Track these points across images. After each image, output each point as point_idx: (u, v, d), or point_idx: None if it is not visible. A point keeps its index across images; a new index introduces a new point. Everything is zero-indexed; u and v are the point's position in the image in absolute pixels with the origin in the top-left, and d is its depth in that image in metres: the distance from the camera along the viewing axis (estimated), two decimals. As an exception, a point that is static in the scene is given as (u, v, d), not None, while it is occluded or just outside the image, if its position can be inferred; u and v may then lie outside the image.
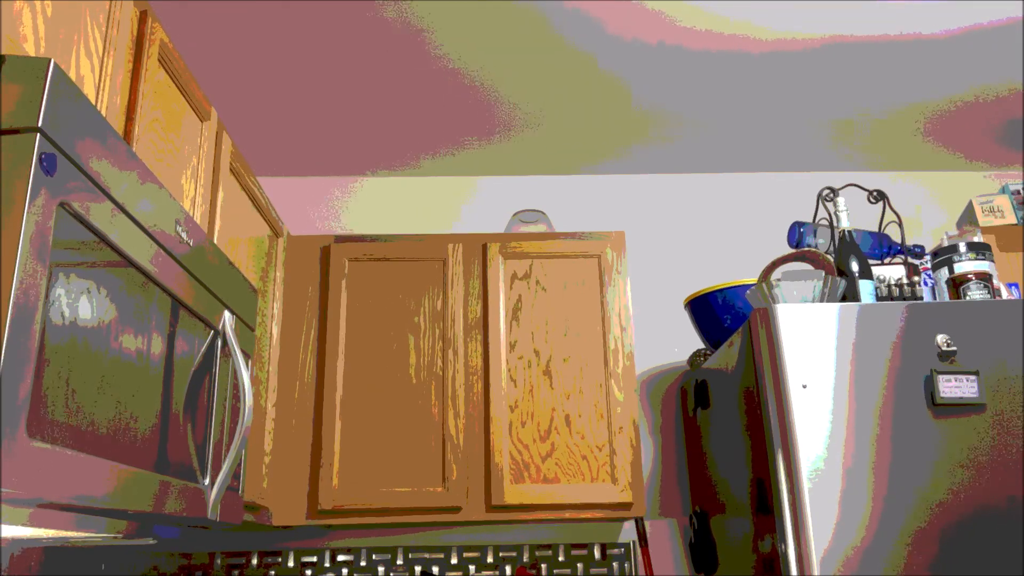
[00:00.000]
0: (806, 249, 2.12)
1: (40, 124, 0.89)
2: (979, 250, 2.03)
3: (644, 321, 2.76)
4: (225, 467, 1.43)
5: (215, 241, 1.73)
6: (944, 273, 2.06)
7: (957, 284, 2.01)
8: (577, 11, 2.04)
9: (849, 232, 2.12)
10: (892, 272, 2.16)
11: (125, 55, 1.34)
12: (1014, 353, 1.78)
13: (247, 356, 1.65)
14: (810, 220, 2.49)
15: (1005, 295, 2.06)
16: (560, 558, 2.47)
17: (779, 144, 2.76)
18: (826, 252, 2.20)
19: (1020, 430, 1.72)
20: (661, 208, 2.92)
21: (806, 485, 1.67)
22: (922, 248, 2.26)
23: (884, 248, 2.23)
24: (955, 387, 1.75)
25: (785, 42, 2.19)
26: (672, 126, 2.62)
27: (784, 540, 1.67)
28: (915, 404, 1.74)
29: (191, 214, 1.60)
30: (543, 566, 2.46)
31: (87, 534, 1.22)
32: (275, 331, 2.22)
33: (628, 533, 2.53)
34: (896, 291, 2.08)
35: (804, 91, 2.43)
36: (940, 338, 1.79)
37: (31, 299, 0.86)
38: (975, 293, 1.99)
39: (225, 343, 1.49)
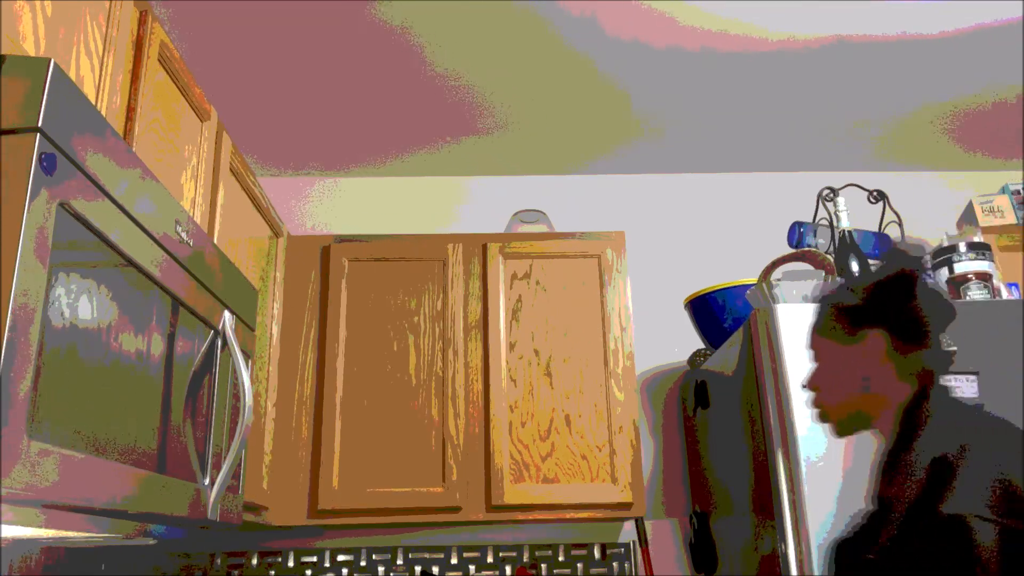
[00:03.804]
0: (806, 249, 2.12)
1: (40, 124, 0.89)
2: (979, 250, 2.03)
3: (644, 321, 2.76)
4: (225, 467, 1.43)
5: (215, 241, 1.73)
6: (944, 273, 2.06)
7: (957, 284, 2.01)
8: (576, 13, 2.04)
9: (849, 232, 2.12)
10: (892, 272, 2.16)
11: (125, 55, 1.34)
12: (1014, 353, 1.78)
13: (247, 356, 1.65)
14: (810, 220, 2.49)
15: (1005, 295, 2.06)
16: (560, 558, 2.47)
17: (779, 144, 2.76)
18: (826, 252, 2.20)
19: (1020, 430, 1.72)
20: (661, 208, 2.91)
21: (806, 485, 1.67)
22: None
23: (884, 248, 2.23)
24: (955, 387, 1.75)
25: (785, 43, 2.19)
26: (672, 126, 2.62)
27: (784, 540, 1.67)
28: (915, 404, 1.74)
29: (191, 214, 1.60)
30: (543, 566, 2.46)
31: (87, 534, 1.22)
32: (275, 331, 2.22)
33: (628, 533, 2.53)
34: (896, 291, 2.08)
35: (804, 91, 2.43)
36: (940, 338, 1.78)
37: (31, 299, 0.86)
38: (975, 293, 1.99)
39: (225, 343, 1.49)
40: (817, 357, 1.27)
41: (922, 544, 0.95)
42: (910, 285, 1.17)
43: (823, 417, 1.26)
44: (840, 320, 1.22)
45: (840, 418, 1.23)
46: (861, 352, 1.19)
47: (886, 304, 1.18)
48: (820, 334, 1.25)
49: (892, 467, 1.09)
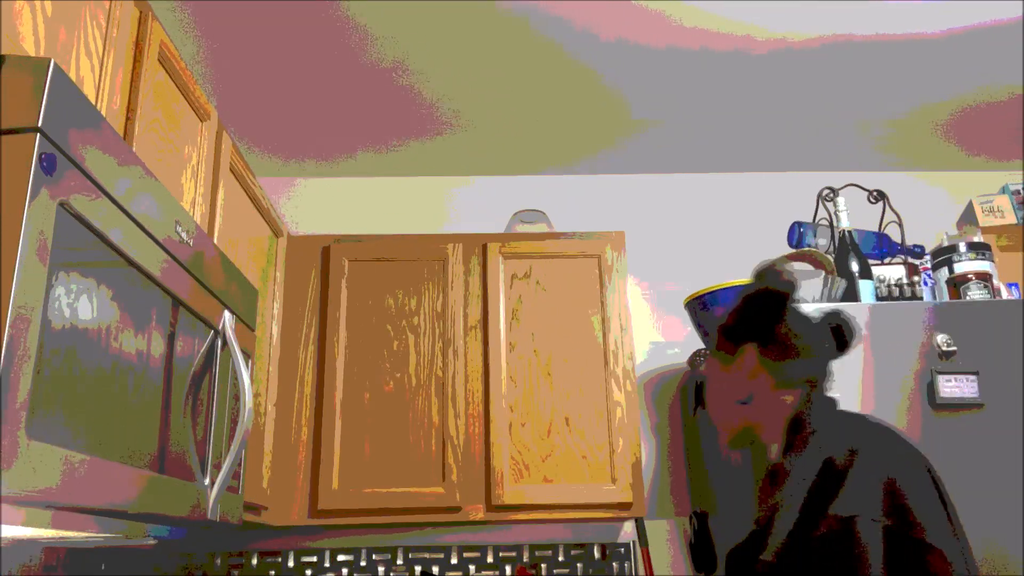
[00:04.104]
0: (806, 249, 2.12)
1: (40, 124, 0.89)
2: (979, 250, 2.03)
3: (644, 321, 2.76)
4: (225, 467, 1.43)
5: (215, 241, 1.72)
6: (944, 273, 2.06)
7: (957, 284, 2.01)
8: (572, 18, 2.04)
9: (849, 232, 2.12)
10: (892, 272, 2.16)
11: (125, 55, 1.34)
12: (1014, 353, 1.78)
13: (247, 356, 1.65)
14: (810, 220, 2.49)
15: (1005, 295, 2.06)
16: (560, 558, 2.47)
17: (779, 144, 2.76)
18: (826, 252, 2.20)
19: (1020, 430, 1.72)
20: (661, 208, 2.91)
21: (806, 485, 1.67)
22: (922, 248, 2.26)
23: (884, 248, 2.23)
24: (955, 387, 1.75)
25: (785, 42, 2.19)
26: (672, 125, 2.62)
27: (784, 540, 1.67)
28: (915, 404, 1.74)
29: (191, 214, 1.59)
30: (543, 566, 2.46)
31: (87, 534, 1.22)
32: (275, 331, 2.22)
33: (628, 533, 2.53)
34: (896, 291, 2.08)
35: (804, 91, 2.43)
36: (940, 338, 1.79)
37: (31, 299, 0.86)
38: (975, 293, 1.99)
39: (225, 343, 1.49)
40: (708, 379, 1.31)
41: (812, 545, 0.97)
42: (779, 304, 1.19)
43: (718, 434, 1.30)
44: (724, 342, 1.26)
45: (730, 432, 1.27)
46: (739, 368, 1.22)
47: (753, 319, 1.21)
48: (712, 356, 1.30)
49: (779, 475, 1.10)
